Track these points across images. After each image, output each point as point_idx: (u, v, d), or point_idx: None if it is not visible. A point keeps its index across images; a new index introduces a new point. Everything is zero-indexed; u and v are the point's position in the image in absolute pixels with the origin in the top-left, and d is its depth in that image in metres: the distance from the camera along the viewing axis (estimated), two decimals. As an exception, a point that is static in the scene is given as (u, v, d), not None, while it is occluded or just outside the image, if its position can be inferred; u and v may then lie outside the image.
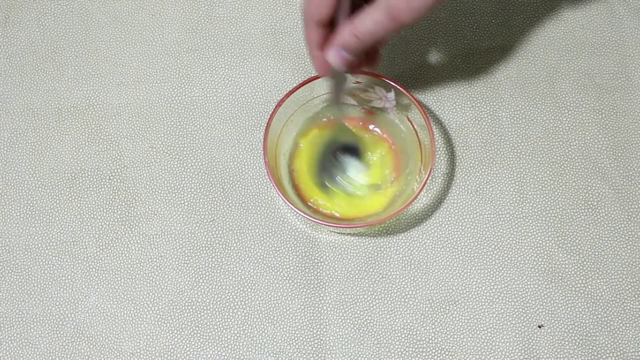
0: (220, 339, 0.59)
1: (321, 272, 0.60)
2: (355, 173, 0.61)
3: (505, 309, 0.59)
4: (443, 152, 0.63)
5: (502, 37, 0.66)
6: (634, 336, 0.58)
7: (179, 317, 0.59)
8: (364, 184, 0.61)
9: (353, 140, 0.61)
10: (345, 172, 0.61)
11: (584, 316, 0.59)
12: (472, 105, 0.64)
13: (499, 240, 0.61)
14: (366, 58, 0.54)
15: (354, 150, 0.61)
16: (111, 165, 0.63)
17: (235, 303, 0.60)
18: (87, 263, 0.61)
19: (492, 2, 0.67)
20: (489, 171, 0.62)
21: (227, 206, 0.62)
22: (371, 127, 0.62)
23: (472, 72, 0.65)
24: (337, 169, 0.61)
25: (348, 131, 0.62)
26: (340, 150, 0.61)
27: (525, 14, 0.67)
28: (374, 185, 0.61)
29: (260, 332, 0.59)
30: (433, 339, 0.58)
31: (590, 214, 0.61)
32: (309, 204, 0.60)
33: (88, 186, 0.63)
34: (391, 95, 0.59)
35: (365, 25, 0.48)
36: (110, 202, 0.62)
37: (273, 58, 0.66)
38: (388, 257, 0.60)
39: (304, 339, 0.59)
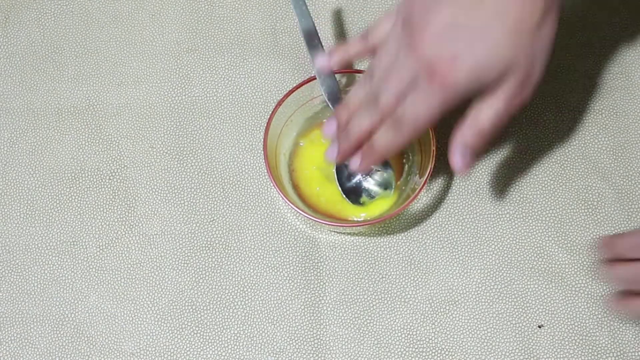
0: (220, 339, 0.59)
1: (321, 272, 0.60)
2: (382, 183, 0.60)
3: (505, 309, 0.59)
4: (443, 152, 0.63)
5: (502, 37, 0.66)
6: (634, 336, 0.58)
7: (179, 317, 0.59)
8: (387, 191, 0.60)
9: None
10: (373, 185, 0.60)
11: (584, 316, 0.59)
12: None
13: (499, 240, 0.61)
14: None
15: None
16: (111, 165, 0.63)
17: (235, 303, 0.60)
18: (87, 263, 0.61)
19: (492, 2, 0.67)
20: (489, 171, 0.62)
21: (227, 206, 0.62)
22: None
23: (472, 72, 0.65)
24: (364, 185, 0.60)
25: None
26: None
27: (525, 14, 0.67)
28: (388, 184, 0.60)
29: (260, 332, 0.59)
30: (433, 339, 0.58)
31: (590, 214, 0.61)
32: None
33: (88, 186, 0.63)
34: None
35: (487, 118, 0.47)
36: (110, 202, 0.62)
37: (273, 58, 0.66)
38: (388, 257, 0.60)
39: (304, 339, 0.59)
